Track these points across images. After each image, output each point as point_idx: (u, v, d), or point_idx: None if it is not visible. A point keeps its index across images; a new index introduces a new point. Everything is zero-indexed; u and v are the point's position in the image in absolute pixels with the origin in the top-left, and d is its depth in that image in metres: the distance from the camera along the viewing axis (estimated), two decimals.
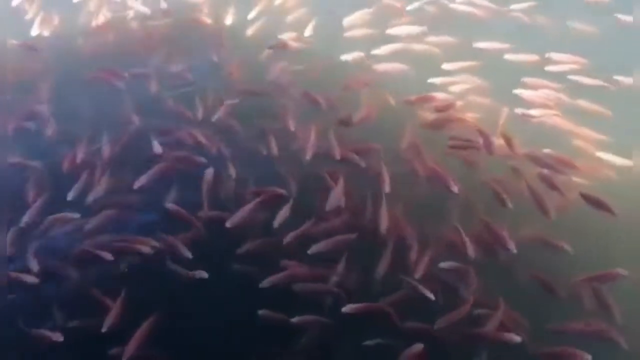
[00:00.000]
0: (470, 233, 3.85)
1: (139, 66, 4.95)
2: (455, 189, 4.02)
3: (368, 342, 3.44)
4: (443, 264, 3.71)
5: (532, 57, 5.01)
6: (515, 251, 3.76)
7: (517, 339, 3.43)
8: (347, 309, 3.50)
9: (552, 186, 4.15)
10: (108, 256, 3.66)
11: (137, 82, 4.80)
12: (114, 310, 3.49)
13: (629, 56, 5.09)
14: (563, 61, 4.98)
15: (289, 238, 3.75)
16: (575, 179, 4.27)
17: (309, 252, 3.72)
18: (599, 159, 4.44)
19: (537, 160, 4.31)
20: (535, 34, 5.33)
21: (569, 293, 3.72)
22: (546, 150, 4.39)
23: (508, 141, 4.35)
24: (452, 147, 4.31)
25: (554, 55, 5.00)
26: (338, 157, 4.17)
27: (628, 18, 5.35)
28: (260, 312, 3.53)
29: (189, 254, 3.71)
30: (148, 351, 3.38)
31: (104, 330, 3.40)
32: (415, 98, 4.71)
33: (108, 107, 4.68)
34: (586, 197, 4.06)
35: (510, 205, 3.95)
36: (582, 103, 4.74)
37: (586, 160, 4.42)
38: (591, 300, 3.70)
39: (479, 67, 4.97)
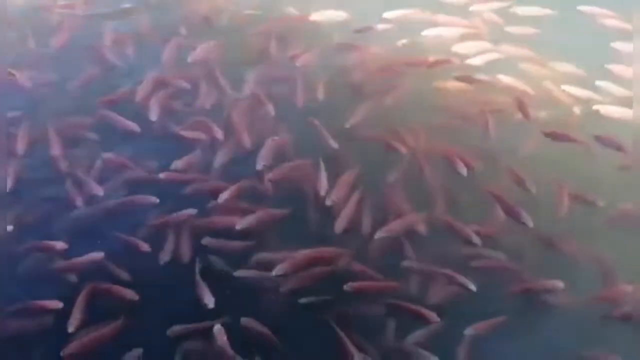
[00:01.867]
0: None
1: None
2: (464, 170, 3.79)
3: (303, 300, 3.26)
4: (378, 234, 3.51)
5: None
6: (531, 225, 3.52)
7: (561, 285, 3.32)
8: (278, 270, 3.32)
9: (525, 114, 4.07)
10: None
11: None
12: (78, 308, 3.22)
13: None
14: None
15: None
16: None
17: (237, 227, 3.50)
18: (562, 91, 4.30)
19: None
20: None
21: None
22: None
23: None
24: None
25: None
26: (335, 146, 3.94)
27: None
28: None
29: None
30: None
31: (70, 330, 3.13)
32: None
33: None
34: (552, 135, 3.96)
35: (533, 190, 3.70)
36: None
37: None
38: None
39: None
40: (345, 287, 3.29)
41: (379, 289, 3.36)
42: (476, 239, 3.49)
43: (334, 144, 3.95)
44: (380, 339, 3.20)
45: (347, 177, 3.78)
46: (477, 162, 3.87)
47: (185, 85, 4.37)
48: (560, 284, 3.33)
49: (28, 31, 4.84)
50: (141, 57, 4.67)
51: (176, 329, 3.18)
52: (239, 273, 3.38)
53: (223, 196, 3.65)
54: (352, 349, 3.08)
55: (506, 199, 3.65)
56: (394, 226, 3.56)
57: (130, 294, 3.31)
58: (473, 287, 3.30)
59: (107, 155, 3.94)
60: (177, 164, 3.87)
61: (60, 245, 3.49)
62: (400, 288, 3.34)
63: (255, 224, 3.56)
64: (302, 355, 3.10)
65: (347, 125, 4.07)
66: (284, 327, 3.18)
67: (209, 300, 3.26)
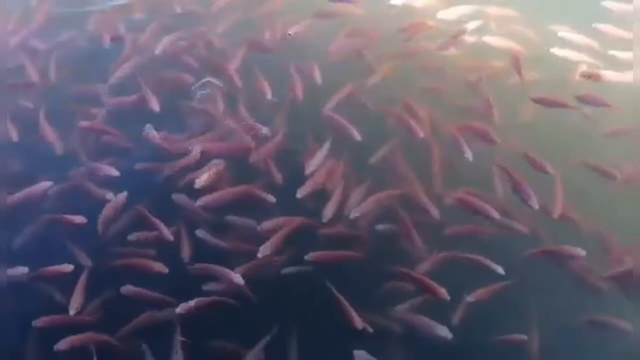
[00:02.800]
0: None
1: None
2: (469, 155, 3.70)
3: (286, 270, 3.33)
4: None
5: None
6: (537, 207, 3.45)
7: (582, 252, 3.30)
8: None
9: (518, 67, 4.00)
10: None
11: None
12: (78, 290, 3.25)
13: None
14: None
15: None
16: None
17: (198, 204, 3.49)
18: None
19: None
20: None
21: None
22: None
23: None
24: None
25: None
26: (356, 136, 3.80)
27: None
28: None
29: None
30: None
31: (72, 313, 3.16)
32: None
33: None
34: (540, 100, 3.90)
35: (552, 171, 3.61)
36: None
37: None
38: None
39: None
40: (306, 257, 3.30)
41: (340, 259, 3.36)
42: (495, 213, 3.44)
43: (357, 136, 3.80)
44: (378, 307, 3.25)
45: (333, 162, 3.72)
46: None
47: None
48: (581, 251, 3.31)
49: None
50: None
51: (129, 288, 3.24)
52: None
53: (201, 180, 3.58)
54: (354, 316, 3.10)
55: (517, 176, 3.58)
56: (370, 204, 3.51)
57: (158, 267, 3.30)
58: (501, 270, 3.27)
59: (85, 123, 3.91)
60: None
61: (79, 219, 3.47)
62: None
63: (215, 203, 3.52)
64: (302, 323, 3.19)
65: (327, 109, 3.97)
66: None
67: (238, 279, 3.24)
